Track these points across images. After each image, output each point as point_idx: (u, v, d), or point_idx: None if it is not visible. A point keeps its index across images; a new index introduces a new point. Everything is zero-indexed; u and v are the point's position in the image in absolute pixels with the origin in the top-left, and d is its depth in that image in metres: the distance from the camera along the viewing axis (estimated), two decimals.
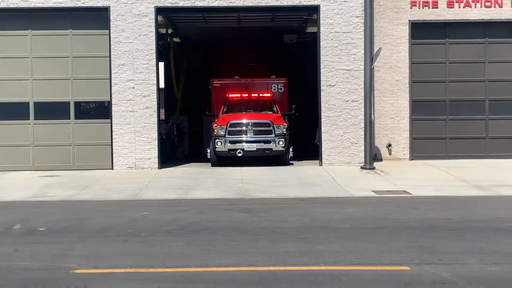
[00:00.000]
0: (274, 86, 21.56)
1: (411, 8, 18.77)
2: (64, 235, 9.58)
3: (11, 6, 17.51)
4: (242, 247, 8.68)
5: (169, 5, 17.77)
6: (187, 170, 17.73)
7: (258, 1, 17.75)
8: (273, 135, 17.70)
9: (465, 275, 7.12)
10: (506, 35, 19.08)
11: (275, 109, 19.62)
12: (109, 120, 17.88)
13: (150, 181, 15.54)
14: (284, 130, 18.01)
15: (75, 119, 18.07)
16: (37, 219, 10.92)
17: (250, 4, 17.82)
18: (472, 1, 18.75)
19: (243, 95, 20.84)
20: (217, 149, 17.78)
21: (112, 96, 17.79)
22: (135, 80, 17.76)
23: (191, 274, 7.34)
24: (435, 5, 18.74)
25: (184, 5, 17.74)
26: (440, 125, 19.14)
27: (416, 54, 18.95)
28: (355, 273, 7.29)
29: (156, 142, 17.85)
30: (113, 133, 17.82)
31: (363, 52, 17.49)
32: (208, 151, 18.35)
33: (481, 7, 18.75)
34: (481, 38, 19.09)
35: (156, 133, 17.88)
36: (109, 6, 17.61)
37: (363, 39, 17.51)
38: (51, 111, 18.00)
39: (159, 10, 17.93)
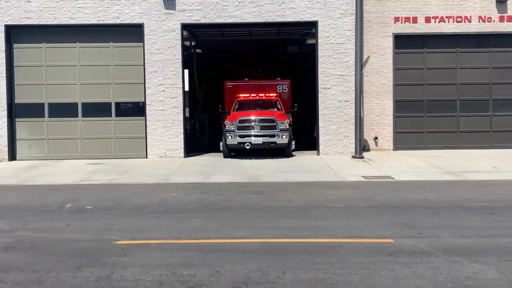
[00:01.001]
0: (279, 87, 20.52)
1: (394, 23, 18.66)
2: (107, 213, 9.67)
3: (62, 23, 17.59)
4: (253, 222, 8.73)
5: (193, 22, 17.78)
6: (208, 159, 17.74)
7: (266, 18, 17.72)
8: (277, 130, 16.60)
9: (440, 247, 7.13)
10: (474, 46, 18.95)
11: (279, 107, 18.59)
12: (143, 118, 17.94)
13: (177, 168, 15.60)
14: (287, 125, 16.89)
15: (116, 116, 18.14)
16: (84, 199, 11.03)
17: (259, 21, 17.79)
18: (446, 17, 18.61)
19: (252, 95, 19.45)
20: (228, 142, 16.78)
21: (146, 97, 17.85)
22: (165, 84, 17.80)
23: (211, 245, 7.40)
24: (415, 21, 18.62)
25: (205, 22, 17.74)
26: (419, 121, 19.05)
27: (399, 62, 18.84)
28: (347, 245, 7.32)
29: (182, 136, 17.91)
30: (147, 128, 17.90)
31: (354, 60, 17.42)
32: (221, 144, 17.45)
33: (453, 22, 18.62)
34: (453, 48, 18.97)
35: (182, 128, 17.93)
36: (143, 23, 17.63)
37: (354, 49, 17.43)
38: (95, 110, 18.09)
39: (184, 26, 17.93)
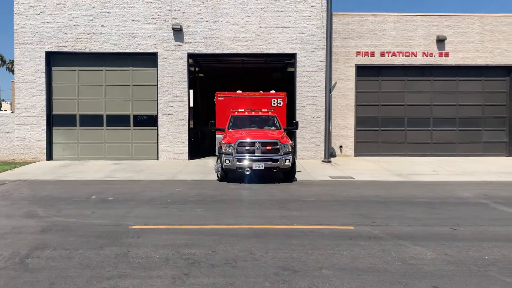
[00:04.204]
0: (274, 101, 16.70)
1: (356, 56, 18.83)
2: (125, 203, 9.60)
3: (92, 51, 17.52)
4: (243, 212, 8.70)
5: (197, 52, 17.79)
6: (207, 161, 17.68)
7: (255, 50, 17.78)
8: (280, 154, 12.32)
9: (390, 233, 7.17)
10: (419, 75, 19.18)
11: (278, 124, 14.39)
12: (156, 127, 17.87)
13: (183, 168, 15.53)
14: (290, 148, 12.63)
15: (133, 126, 18.04)
16: (107, 192, 10.94)
17: (250, 52, 17.86)
18: (397, 52, 18.82)
19: (247, 110, 15.55)
20: (225, 166, 12.44)
21: (158, 111, 17.78)
22: (174, 101, 17.75)
23: (209, 230, 7.36)
24: (372, 55, 18.81)
25: (207, 52, 17.77)
26: (375, 133, 19.19)
27: (360, 87, 19.00)
28: (317, 230, 7.33)
29: (187, 142, 17.85)
30: (159, 136, 17.82)
31: (324, 85, 17.53)
32: (216, 166, 13.06)
33: (403, 56, 18.84)
34: (402, 77, 19.18)
35: (187, 136, 17.87)
36: (157, 52, 17.61)
37: (324, 76, 17.55)
38: (117, 120, 17.98)
39: (190, 55, 17.93)
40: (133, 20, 17.51)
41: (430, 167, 15.88)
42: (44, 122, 17.53)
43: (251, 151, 12.40)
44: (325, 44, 17.52)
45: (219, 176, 12.82)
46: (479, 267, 5.62)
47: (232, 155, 12.38)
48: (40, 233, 7.15)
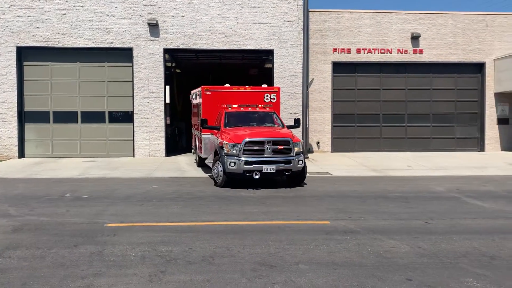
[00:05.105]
0: (267, 96, 14.09)
1: (333, 53, 19.00)
2: (100, 201, 9.46)
3: (65, 46, 17.14)
4: (220, 209, 8.70)
5: (173, 47, 17.62)
6: (184, 158, 17.58)
7: (233, 46, 17.73)
8: (292, 154, 10.91)
9: (365, 227, 7.29)
10: (394, 72, 19.49)
11: (279, 121, 12.72)
12: (131, 124, 17.64)
13: (159, 165, 15.39)
14: (301, 148, 11.28)
15: (109, 123, 17.76)
16: (82, 190, 10.75)
17: (227, 48, 17.79)
18: (373, 49, 19.07)
19: (242, 106, 13.19)
20: (229, 170, 10.78)
21: (134, 107, 17.55)
22: (150, 97, 17.56)
23: (186, 227, 7.34)
24: (349, 51, 19.02)
25: (183, 47, 17.62)
26: (351, 129, 19.42)
27: (336, 83, 19.18)
28: (295, 226, 7.39)
29: (163, 139, 17.69)
30: (135, 133, 17.60)
31: (301, 81, 17.64)
32: (216, 169, 11.22)
33: (378, 53, 19.11)
34: (378, 73, 19.45)
35: (164, 133, 17.71)
36: (133, 47, 17.36)
37: (301, 73, 17.65)
38: (92, 117, 17.66)
39: (166, 51, 17.74)
40: (107, 15, 17.20)
41: (405, 162, 16.16)
42: (16, 118, 17.07)
43: (260, 152, 10.79)
44: (302, 40, 17.60)
45: (218, 182, 11.15)
46: (451, 259, 5.77)
47: (237, 156, 10.71)
48: (12, 232, 6.98)
